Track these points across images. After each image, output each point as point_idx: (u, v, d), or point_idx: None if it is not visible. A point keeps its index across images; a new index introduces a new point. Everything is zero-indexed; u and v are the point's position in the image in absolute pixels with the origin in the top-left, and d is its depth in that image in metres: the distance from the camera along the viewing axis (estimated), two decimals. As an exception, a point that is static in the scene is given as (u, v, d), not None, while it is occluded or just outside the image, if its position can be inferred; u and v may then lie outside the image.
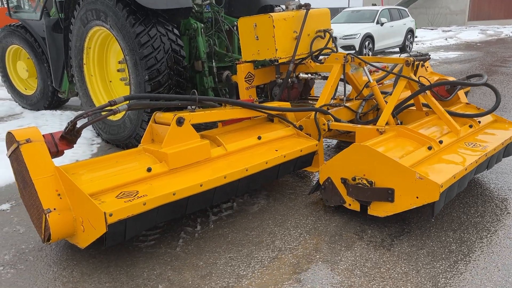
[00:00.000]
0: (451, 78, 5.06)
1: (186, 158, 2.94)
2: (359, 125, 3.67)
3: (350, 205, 3.16)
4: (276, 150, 3.35)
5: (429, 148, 3.16)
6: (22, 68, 6.79)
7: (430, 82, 3.73)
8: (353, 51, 12.74)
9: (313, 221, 3.21)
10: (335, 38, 12.88)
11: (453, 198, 3.46)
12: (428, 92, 3.69)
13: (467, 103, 4.32)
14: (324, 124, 3.75)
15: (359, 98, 4.33)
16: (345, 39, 12.99)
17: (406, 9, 16.27)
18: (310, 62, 4.26)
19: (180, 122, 2.98)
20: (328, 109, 3.98)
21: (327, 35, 4.45)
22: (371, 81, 4.23)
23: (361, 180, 3.02)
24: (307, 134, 3.86)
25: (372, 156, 2.95)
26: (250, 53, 4.19)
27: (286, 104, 3.87)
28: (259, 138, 3.43)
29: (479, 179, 3.98)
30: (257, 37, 4.07)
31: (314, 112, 3.77)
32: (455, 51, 16.02)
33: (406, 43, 15.77)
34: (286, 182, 3.97)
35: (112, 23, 4.40)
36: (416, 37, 24.65)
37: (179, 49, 4.45)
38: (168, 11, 4.41)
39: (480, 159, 3.23)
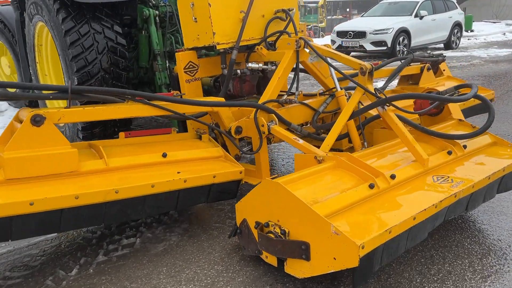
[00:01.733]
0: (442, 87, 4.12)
1: (35, 168, 2.36)
2: (300, 141, 2.91)
3: (267, 257, 2.44)
4: (178, 172, 2.70)
5: (371, 186, 2.38)
6: (5, 64, 6.56)
7: (384, 95, 2.90)
8: (385, 48, 11.65)
9: (218, 272, 2.54)
10: (364, 33, 11.88)
11: (415, 246, 2.67)
12: (388, 106, 2.87)
13: (460, 120, 3.42)
14: (263, 126, 3.02)
15: (325, 93, 3.56)
16: (375, 34, 11.87)
17: (454, 1, 14.73)
18: (261, 49, 3.53)
19: (36, 121, 2.38)
20: (283, 105, 3.26)
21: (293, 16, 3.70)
22: (338, 89, 3.46)
23: (274, 228, 2.31)
24: (247, 137, 3.18)
25: (283, 196, 2.22)
26: (190, 39, 3.53)
27: (221, 101, 3.15)
28: (164, 155, 2.79)
29: (466, 219, 3.11)
30: (195, 18, 3.40)
31: (255, 110, 3.06)
32: (510, 48, 14.36)
33: (452, 39, 14.31)
34: (220, 212, 3.30)
35: (46, 19, 3.92)
36: (472, 31, 22.72)
37: (119, 49, 3.88)
38: (108, 4, 3.85)
39: (443, 202, 2.40)
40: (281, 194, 2.23)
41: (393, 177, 2.47)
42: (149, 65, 4.51)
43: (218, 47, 3.36)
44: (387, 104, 2.83)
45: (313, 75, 3.58)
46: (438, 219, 2.51)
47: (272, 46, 3.58)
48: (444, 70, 5.11)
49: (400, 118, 3.17)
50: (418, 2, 13.09)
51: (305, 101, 3.42)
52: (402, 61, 4.14)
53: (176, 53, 3.57)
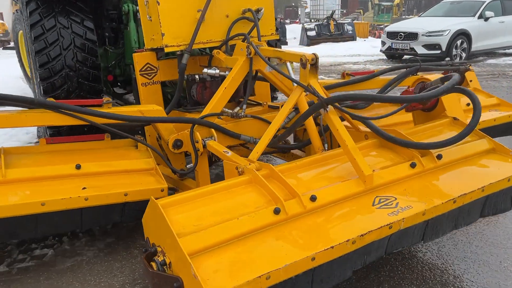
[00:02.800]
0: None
1: None
2: (229, 153, 2.53)
3: None
4: (84, 188, 2.44)
5: (276, 211, 1.93)
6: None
7: (320, 97, 2.39)
8: (438, 51, 10.64)
9: (109, 301, 2.27)
10: (416, 34, 10.96)
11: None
12: (331, 108, 2.38)
13: (455, 119, 2.82)
14: (197, 142, 2.69)
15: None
16: (428, 36, 10.85)
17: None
18: (218, 53, 3.17)
19: None
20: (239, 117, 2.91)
21: (266, 16, 3.32)
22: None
23: (159, 256, 1.98)
24: (187, 152, 2.86)
25: (161, 221, 1.88)
26: (148, 39, 3.27)
27: (158, 111, 2.84)
28: (78, 167, 2.54)
29: (433, 264, 2.56)
30: (149, 17, 3.13)
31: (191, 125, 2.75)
32: None
33: (525, 44, 12.78)
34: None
35: (21, 11, 3.86)
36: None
37: (88, 45, 3.70)
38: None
39: (368, 236, 1.90)
40: (159, 217, 1.88)
41: (313, 199, 2.01)
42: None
43: (166, 49, 3.07)
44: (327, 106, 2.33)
45: (274, 85, 3.17)
46: (371, 253, 1.99)
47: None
48: (471, 81, 4.42)
49: (361, 120, 2.66)
50: (484, 1, 11.79)
51: (260, 115, 3.01)
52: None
53: (133, 54, 3.33)
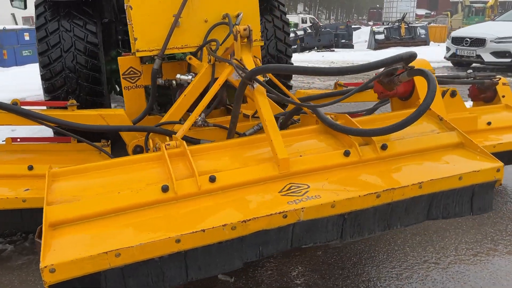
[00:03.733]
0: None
1: None
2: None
3: None
4: (26, 190, 2.49)
5: (163, 189, 1.80)
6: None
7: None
8: (508, 60, 9.61)
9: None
10: (483, 40, 10.02)
11: None
12: (259, 86, 2.15)
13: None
14: (148, 150, 2.68)
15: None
16: (498, 42, 9.83)
17: None
18: (190, 59, 3.11)
19: None
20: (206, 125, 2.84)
21: (248, 21, 3.19)
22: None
23: None
24: None
25: None
26: (131, 43, 3.30)
27: (120, 116, 2.84)
28: (30, 168, 2.60)
29: None
30: (130, 22, 3.16)
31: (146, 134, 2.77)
32: None
33: None
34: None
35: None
36: None
37: (89, 48, 3.83)
38: (86, 2, 3.84)
39: (255, 223, 1.70)
40: None
41: (212, 179, 1.86)
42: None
43: (138, 54, 3.08)
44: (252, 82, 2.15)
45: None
46: (269, 244, 1.79)
47: None
48: (503, 96, 3.94)
49: (302, 104, 2.42)
50: None
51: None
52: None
53: (118, 58, 3.38)
